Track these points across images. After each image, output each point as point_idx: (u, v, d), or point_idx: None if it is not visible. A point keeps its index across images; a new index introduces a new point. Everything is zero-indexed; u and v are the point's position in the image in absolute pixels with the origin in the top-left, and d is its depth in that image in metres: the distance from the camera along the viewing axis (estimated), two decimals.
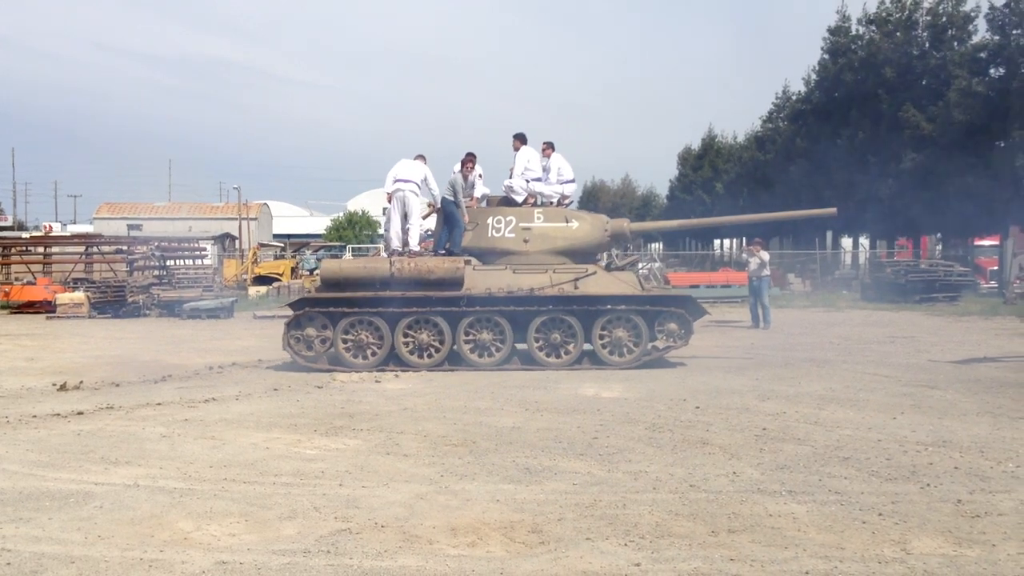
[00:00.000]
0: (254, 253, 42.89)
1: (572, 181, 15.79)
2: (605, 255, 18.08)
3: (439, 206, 15.27)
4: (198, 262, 34.40)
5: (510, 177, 15.45)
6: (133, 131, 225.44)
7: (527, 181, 15.33)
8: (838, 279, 39.53)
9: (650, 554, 5.54)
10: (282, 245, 53.84)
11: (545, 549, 5.66)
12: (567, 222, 14.91)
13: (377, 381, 12.98)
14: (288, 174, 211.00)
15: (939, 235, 43.09)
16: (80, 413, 10.40)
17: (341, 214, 71.43)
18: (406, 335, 14.13)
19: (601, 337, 14.03)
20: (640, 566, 5.34)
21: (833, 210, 14.44)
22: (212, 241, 49.22)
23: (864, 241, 49.02)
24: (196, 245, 37.50)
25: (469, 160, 15.51)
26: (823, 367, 14.13)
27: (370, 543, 5.77)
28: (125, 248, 33.35)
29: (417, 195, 15.26)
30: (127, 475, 7.52)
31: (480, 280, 14.37)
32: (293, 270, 40.32)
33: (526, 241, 14.80)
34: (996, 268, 36.07)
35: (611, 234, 15.35)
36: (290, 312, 14.72)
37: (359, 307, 14.22)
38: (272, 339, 19.73)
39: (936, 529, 5.98)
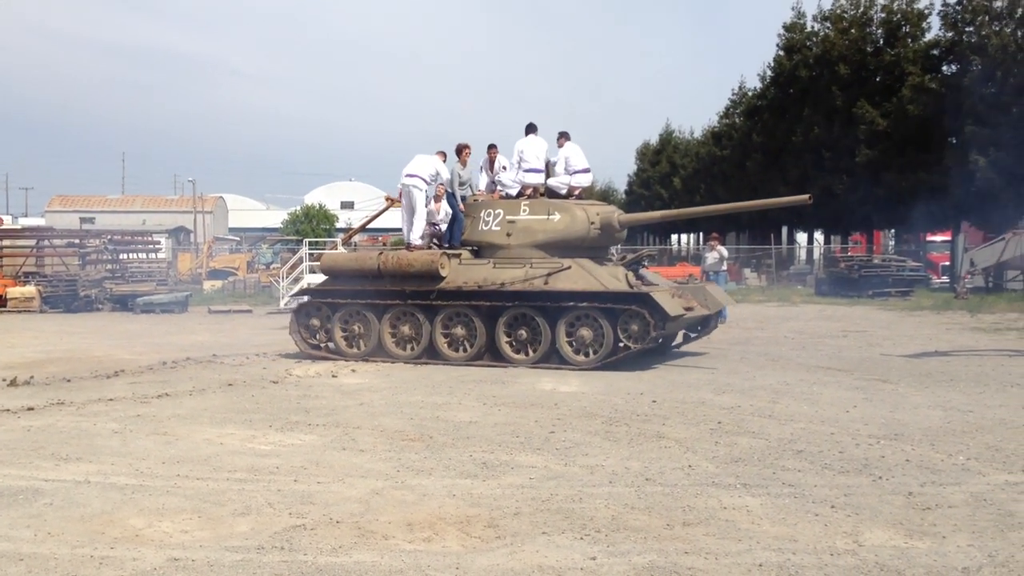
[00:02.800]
0: (209, 247, 42.45)
1: (584, 171, 15.26)
2: (615, 250, 17.26)
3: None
4: (152, 256, 34.02)
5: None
6: (86, 123, 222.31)
7: (518, 172, 14.98)
8: (793, 274, 39.98)
9: (606, 547, 5.55)
10: (238, 239, 53.34)
11: (501, 543, 5.66)
12: (549, 215, 14.39)
13: (334, 376, 12.91)
14: (244, 167, 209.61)
15: (892, 230, 43.66)
16: (30, 409, 10.23)
17: (298, 208, 70.80)
18: (393, 327, 14.51)
19: (569, 335, 13.48)
20: (596, 560, 5.35)
21: (807, 197, 14.16)
22: (166, 235, 48.70)
23: (819, 236, 49.57)
24: (150, 239, 37.12)
25: (462, 150, 15.44)
26: (778, 361, 14.27)
27: (325, 539, 5.73)
28: (77, 242, 32.88)
29: (421, 190, 15.08)
30: (78, 471, 7.41)
31: (461, 274, 14.23)
32: (249, 264, 39.96)
33: (509, 235, 14.51)
34: (948, 263, 36.63)
35: (599, 227, 14.54)
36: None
37: (350, 299, 14.87)
38: (227, 333, 19.59)
39: (887, 521, 6.05)
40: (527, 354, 13.71)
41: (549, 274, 13.65)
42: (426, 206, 15.14)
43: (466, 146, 15.60)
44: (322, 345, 15.16)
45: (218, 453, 8.05)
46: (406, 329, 14.45)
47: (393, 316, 14.55)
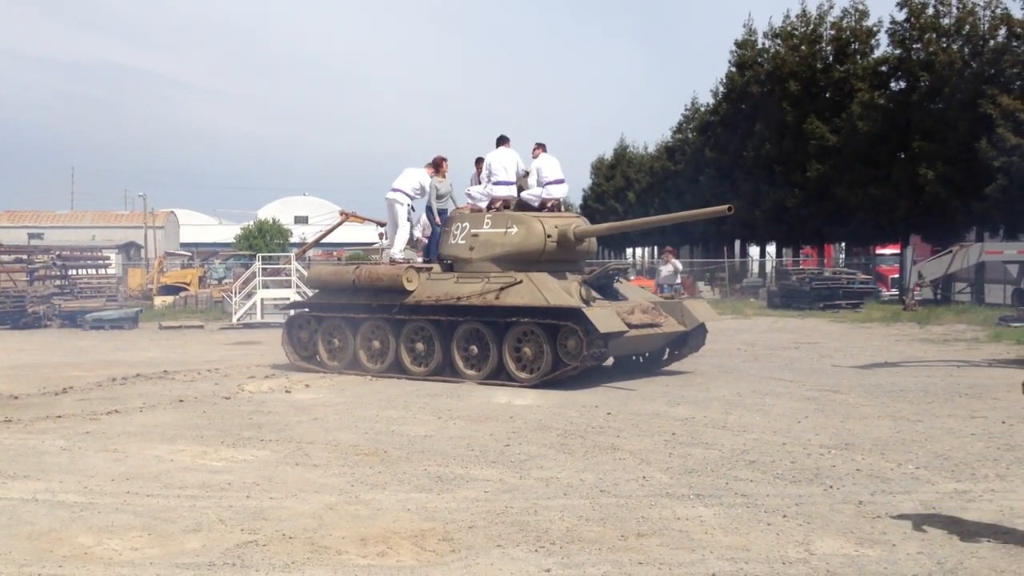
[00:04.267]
0: (160, 262, 41.96)
1: (557, 182, 14.75)
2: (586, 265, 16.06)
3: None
4: (101, 271, 33.53)
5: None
6: (34, 138, 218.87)
7: (486, 185, 14.69)
8: (746, 287, 40.31)
9: (560, 559, 5.56)
10: (190, 254, 52.76)
11: (456, 557, 5.64)
12: (507, 228, 14.09)
13: (287, 391, 12.80)
14: (196, 182, 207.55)
15: (842, 244, 44.22)
16: None
17: (251, 223, 70.28)
18: (367, 340, 14.63)
19: (516, 351, 13.19)
20: (550, 572, 5.35)
21: (726, 208, 13.73)
22: (116, 250, 48.08)
23: (771, 250, 50.08)
24: (99, 254, 36.58)
25: (440, 163, 15.34)
26: (731, 373, 14.38)
27: (277, 555, 5.68)
28: (25, 257, 32.26)
29: (403, 204, 15.07)
30: (25, 489, 7.28)
31: (427, 289, 14.11)
32: (201, 279, 39.52)
33: (471, 248, 14.32)
34: (897, 276, 37.12)
35: (556, 240, 14.03)
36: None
37: (330, 312, 15.21)
38: (178, 349, 19.36)
39: (838, 530, 6.11)
40: (479, 370, 13.51)
41: (502, 288, 13.35)
42: (408, 219, 15.15)
43: (444, 159, 15.45)
44: (316, 357, 15.43)
45: (169, 470, 7.95)
46: (376, 343, 14.53)
47: (367, 329, 14.65)
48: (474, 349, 13.55)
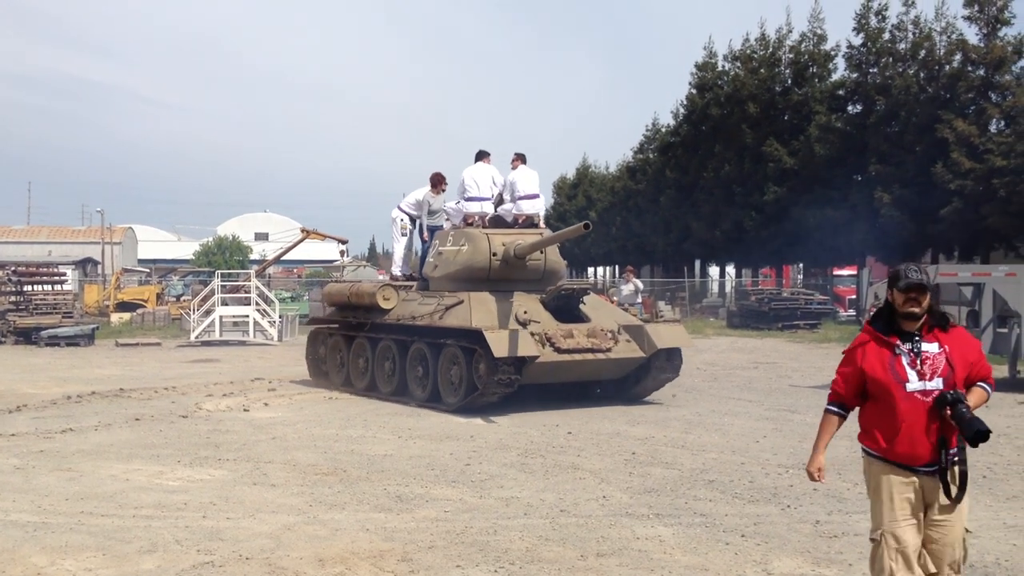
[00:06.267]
0: (117, 278, 41.47)
1: (530, 197, 14.19)
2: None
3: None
4: (58, 288, 33.06)
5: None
6: None
7: (458, 201, 14.39)
8: (706, 307, 40.59)
9: None
10: (147, 270, 52.24)
11: None
12: (460, 245, 13.60)
13: (245, 410, 12.68)
14: (155, 198, 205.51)
15: (800, 265, 44.68)
16: None
17: (210, 239, 69.72)
18: (357, 357, 14.77)
19: (449, 373, 12.68)
20: None
21: (580, 226, 13.14)
22: (73, 266, 47.45)
23: (730, 270, 50.46)
24: (55, 270, 36.05)
25: (437, 180, 15.15)
26: (690, 392, 14.46)
27: None
28: None
29: (395, 220, 15.52)
30: None
31: (402, 308, 13.89)
32: (159, 296, 39.11)
33: (436, 267, 14.02)
34: (854, 296, 37.58)
35: (501, 258, 13.34)
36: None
37: (334, 329, 15.66)
38: (135, 367, 19.12)
39: (796, 549, 6.16)
40: (424, 391, 13.18)
41: (448, 308, 12.82)
42: (403, 235, 15.41)
43: (441, 176, 15.18)
44: (328, 373, 15.72)
45: (124, 489, 7.84)
46: (361, 361, 14.62)
47: (356, 347, 14.77)
48: (420, 370, 13.26)
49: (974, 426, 3.97)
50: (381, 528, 6.65)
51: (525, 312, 12.65)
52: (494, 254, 13.37)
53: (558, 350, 12.30)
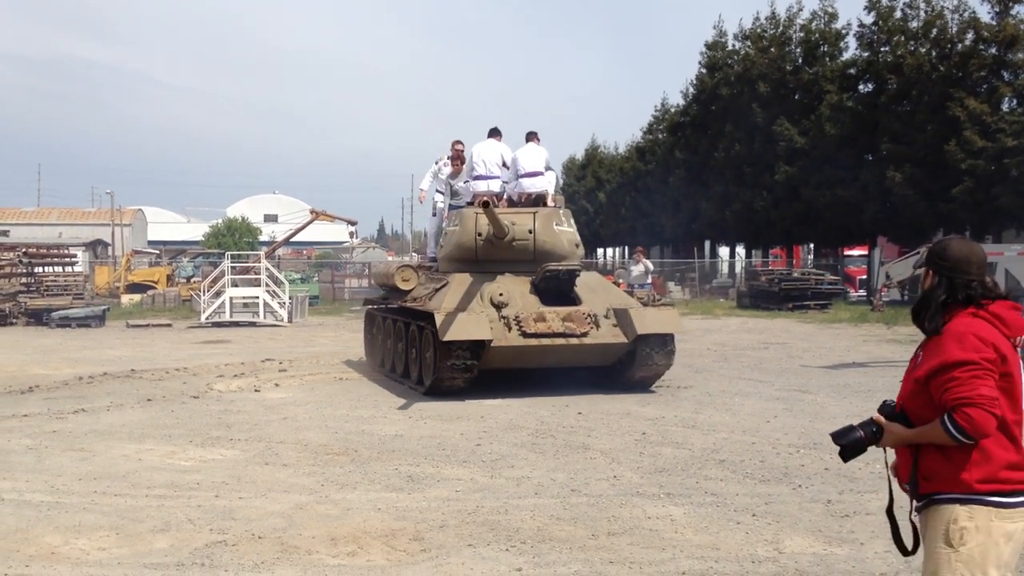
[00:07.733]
0: (127, 260, 41.59)
1: (532, 175, 13.59)
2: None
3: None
4: (68, 269, 33.18)
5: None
6: (1, 134, 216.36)
7: (467, 180, 14.08)
8: (716, 287, 40.54)
9: (531, 559, 5.55)
10: (157, 252, 52.38)
11: (426, 556, 5.62)
12: (454, 225, 13.34)
13: (256, 390, 12.72)
14: (165, 180, 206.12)
15: (811, 245, 44.56)
16: None
17: (220, 221, 69.85)
18: (386, 339, 14.73)
19: (426, 354, 12.33)
20: (521, 571, 5.35)
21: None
22: (83, 248, 47.64)
23: (740, 250, 50.34)
24: (66, 252, 36.20)
25: (457, 154, 14.75)
26: (700, 373, 14.44)
27: (246, 555, 5.64)
28: None
29: (430, 200, 15.41)
30: None
31: (419, 290, 13.54)
32: (169, 277, 39.24)
33: (441, 247, 13.88)
34: (864, 277, 37.49)
35: (486, 238, 12.80)
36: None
37: (376, 311, 15.86)
38: (146, 348, 19.19)
39: (807, 528, 6.15)
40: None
41: (436, 290, 12.51)
42: (432, 215, 15.34)
43: (460, 151, 14.76)
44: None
45: (136, 469, 7.88)
46: (388, 343, 14.54)
47: (386, 328, 14.76)
48: (413, 352, 12.99)
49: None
50: (392, 507, 6.66)
51: (501, 294, 12.11)
52: (479, 234, 12.84)
53: (524, 334, 11.73)
